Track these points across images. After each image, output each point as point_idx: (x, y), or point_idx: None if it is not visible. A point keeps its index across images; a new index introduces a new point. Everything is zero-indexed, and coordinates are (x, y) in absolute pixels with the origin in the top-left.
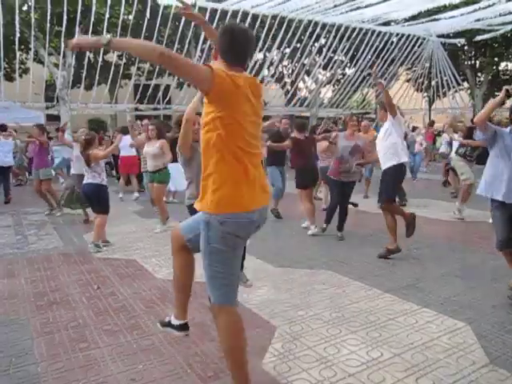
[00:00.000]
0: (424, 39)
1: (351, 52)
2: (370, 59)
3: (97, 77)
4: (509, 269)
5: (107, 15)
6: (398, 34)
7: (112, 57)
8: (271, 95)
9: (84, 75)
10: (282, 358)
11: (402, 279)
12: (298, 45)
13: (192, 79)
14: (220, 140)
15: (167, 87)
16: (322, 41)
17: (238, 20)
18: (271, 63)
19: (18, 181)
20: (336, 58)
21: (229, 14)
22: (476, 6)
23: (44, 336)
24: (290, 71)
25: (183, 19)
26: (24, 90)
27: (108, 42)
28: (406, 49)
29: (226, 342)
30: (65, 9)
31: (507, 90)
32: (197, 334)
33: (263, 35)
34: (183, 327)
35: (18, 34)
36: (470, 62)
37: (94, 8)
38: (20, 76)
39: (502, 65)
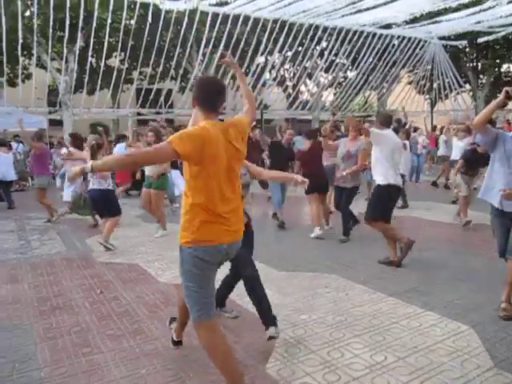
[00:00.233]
0: (425, 41)
1: (353, 55)
2: (372, 62)
3: (99, 82)
4: None
5: (109, 20)
6: (399, 37)
7: (114, 62)
8: (273, 99)
9: (86, 80)
10: (286, 362)
11: (406, 282)
12: (300, 48)
13: (166, 160)
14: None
15: (169, 91)
16: (324, 44)
17: (239, 24)
18: (273, 67)
19: (20, 186)
20: (337, 61)
21: (230, 18)
22: (477, 8)
23: (47, 341)
24: (292, 74)
25: (185, 23)
26: (27, 95)
27: (91, 167)
28: (407, 51)
29: (209, 353)
30: (67, 14)
31: (507, 92)
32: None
33: (265, 39)
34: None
35: (20, 40)
36: (471, 64)
37: (96, 13)
38: (23, 81)
39: (504, 66)
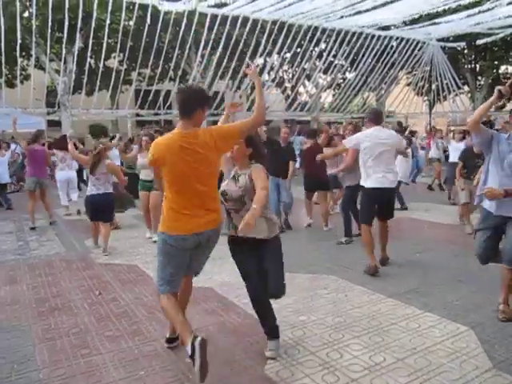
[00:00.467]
0: (424, 43)
1: (351, 56)
2: (371, 63)
3: (98, 82)
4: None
5: (108, 21)
6: (397, 38)
7: (113, 62)
8: (272, 100)
9: (85, 81)
10: (285, 364)
11: (405, 284)
12: (299, 50)
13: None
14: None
15: (168, 92)
16: (322, 45)
17: (238, 25)
18: (272, 68)
19: (18, 186)
20: (336, 62)
21: (229, 20)
22: (476, 10)
23: (46, 342)
24: (291, 76)
25: (183, 25)
26: (25, 96)
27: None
28: (405, 53)
29: (165, 313)
30: (66, 15)
31: (499, 91)
32: None
33: (263, 40)
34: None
35: (19, 41)
36: (470, 66)
37: (94, 14)
38: (21, 82)
39: (502, 68)
